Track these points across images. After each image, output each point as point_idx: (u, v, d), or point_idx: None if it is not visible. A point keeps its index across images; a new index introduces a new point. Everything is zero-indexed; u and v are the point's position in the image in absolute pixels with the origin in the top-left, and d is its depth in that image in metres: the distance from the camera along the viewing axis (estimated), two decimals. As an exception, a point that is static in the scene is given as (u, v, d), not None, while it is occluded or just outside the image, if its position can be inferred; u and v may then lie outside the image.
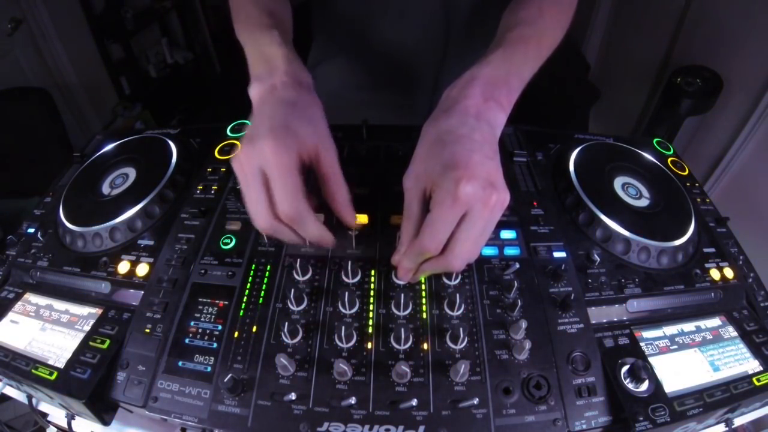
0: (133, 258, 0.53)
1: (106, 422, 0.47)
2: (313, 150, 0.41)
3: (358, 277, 0.49)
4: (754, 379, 0.44)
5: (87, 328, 0.48)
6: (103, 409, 0.46)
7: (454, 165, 0.39)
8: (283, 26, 0.52)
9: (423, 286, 0.49)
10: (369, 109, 0.78)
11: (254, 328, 0.46)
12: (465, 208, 0.39)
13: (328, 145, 0.43)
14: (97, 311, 0.50)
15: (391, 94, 0.83)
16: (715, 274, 0.53)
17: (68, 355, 0.46)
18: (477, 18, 0.73)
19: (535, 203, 0.57)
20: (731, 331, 0.49)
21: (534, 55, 0.51)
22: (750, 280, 0.55)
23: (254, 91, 0.46)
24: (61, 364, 0.45)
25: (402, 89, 0.82)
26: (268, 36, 0.49)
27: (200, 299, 0.49)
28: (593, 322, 0.47)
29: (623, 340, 0.46)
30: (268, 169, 0.39)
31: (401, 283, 0.49)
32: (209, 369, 0.44)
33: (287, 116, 0.41)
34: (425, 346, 0.45)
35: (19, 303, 0.52)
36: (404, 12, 0.72)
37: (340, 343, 0.44)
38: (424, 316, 0.47)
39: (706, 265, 0.54)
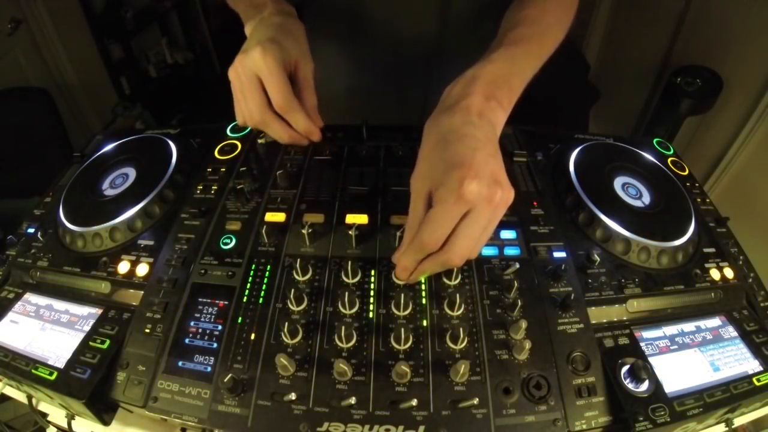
0: (133, 258, 0.53)
1: (106, 422, 0.47)
2: (294, 60, 0.50)
3: (358, 277, 0.49)
4: (754, 379, 0.44)
5: (87, 328, 0.48)
6: (103, 409, 0.46)
7: (459, 164, 0.39)
8: None
9: (423, 286, 0.49)
10: (362, 99, 0.80)
11: (254, 328, 0.46)
12: (468, 206, 0.39)
13: (306, 59, 0.52)
14: (97, 311, 0.50)
15: (384, 85, 0.81)
16: (715, 274, 0.53)
17: (68, 355, 0.46)
18: (473, 15, 0.72)
19: (535, 203, 0.57)
20: (731, 331, 0.49)
21: (536, 54, 0.51)
22: (750, 280, 0.55)
23: (248, 29, 0.54)
24: (61, 364, 0.45)
25: (394, 81, 0.81)
26: None
27: (200, 299, 0.49)
28: (593, 322, 0.47)
29: (623, 340, 0.46)
30: (261, 73, 0.46)
31: (401, 283, 0.49)
32: (209, 369, 0.44)
33: (274, 33, 0.49)
34: (425, 346, 0.45)
35: (19, 303, 0.52)
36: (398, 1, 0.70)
37: (340, 343, 0.44)
38: (424, 316, 0.47)
39: (706, 265, 0.53)
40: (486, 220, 0.40)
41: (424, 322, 0.46)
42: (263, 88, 0.48)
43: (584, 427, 0.41)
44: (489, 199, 0.39)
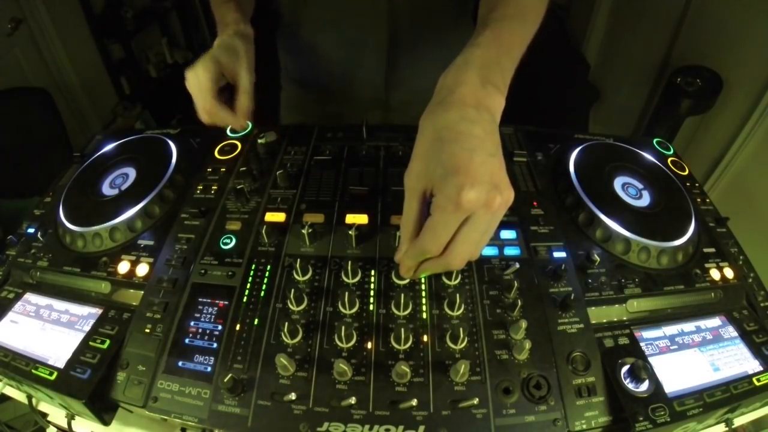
0: (133, 258, 0.53)
1: (106, 422, 0.47)
2: (232, 72, 0.61)
3: (358, 277, 0.49)
4: (754, 379, 0.44)
5: (87, 328, 0.48)
6: (103, 409, 0.46)
7: (455, 169, 0.38)
8: (241, 1, 0.71)
9: (423, 286, 0.49)
10: (333, 105, 0.89)
11: (254, 328, 0.46)
12: (467, 213, 0.38)
13: (244, 72, 0.61)
14: (97, 311, 0.50)
15: (346, 86, 0.86)
16: (715, 274, 0.53)
17: (68, 355, 0.46)
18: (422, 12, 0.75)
19: (535, 203, 0.57)
20: (731, 331, 0.49)
21: (520, 32, 0.50)
22: (750, 280, 0.55)
23: (214, 43, 0.65)
24: (61, 364, 0.45)
25: (354, 83, 0.85)
26: (226, 7, 0.69)
27: (200, 299, 0.49)
28: (593, 322, 0.47)
29: (623, 340, 0.46)
30: (198, 83, 0.58)
31: (401, 282, 0.49)
32: (209, 369, 0.44)
33: (220, 52, 0.61)
34: (425, 346, 0.45)
35: (19, 303, 0.52)
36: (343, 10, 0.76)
37: (340, 343, 0.44)
38: (424, 316, 0.47)
39: (706, 265, 0.53)
40: (485, 225, 0.39)
41: (424, 323, 0.46)
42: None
43: (584, 427, 0.41)
44: (488, 205, 0.38)
